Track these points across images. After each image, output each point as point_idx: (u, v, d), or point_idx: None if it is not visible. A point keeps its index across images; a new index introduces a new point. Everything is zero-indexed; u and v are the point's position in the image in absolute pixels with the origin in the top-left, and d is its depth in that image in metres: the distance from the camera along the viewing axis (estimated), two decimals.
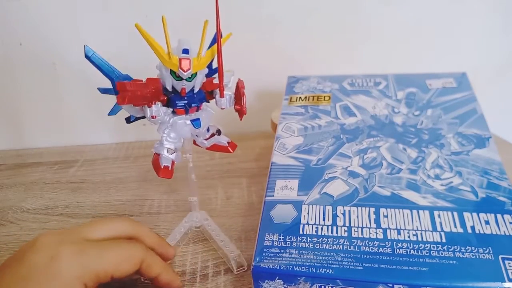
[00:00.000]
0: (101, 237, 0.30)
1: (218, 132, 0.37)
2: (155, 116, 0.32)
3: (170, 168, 0.35)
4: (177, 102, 0.33)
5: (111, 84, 0.33)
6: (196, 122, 0.34)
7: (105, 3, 0.59)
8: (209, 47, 0.35)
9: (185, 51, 0.31)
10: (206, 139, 0.37)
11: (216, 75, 0.35)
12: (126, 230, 0.32)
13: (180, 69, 0.31)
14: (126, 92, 0.30)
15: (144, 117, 0.35)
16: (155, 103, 0.32)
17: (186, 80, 0.32)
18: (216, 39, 0.32)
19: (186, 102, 0.33)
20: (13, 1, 0.57)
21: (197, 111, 0.35)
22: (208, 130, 0.37)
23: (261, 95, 0.68)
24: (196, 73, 0.32)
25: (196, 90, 0.34)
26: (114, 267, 0.28)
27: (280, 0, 0.63)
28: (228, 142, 0.38)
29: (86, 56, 0.31)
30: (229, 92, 0.35)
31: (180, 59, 0.31)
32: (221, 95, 0.34)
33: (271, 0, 0.62)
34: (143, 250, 0.30)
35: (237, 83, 0.36)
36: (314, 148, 0.41)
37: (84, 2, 0.59)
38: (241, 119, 0.35)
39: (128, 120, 0.36)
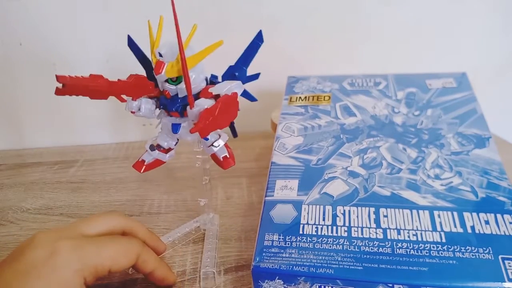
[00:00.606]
0: (97, 232, 0.31)
1: (214, 143, 0.34)
2: (134, 112, 0.32)
3: (145, 163, 0.35)
4: (161, 102, 0.33)
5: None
6: (175, 127, 0.34)
7: (105, 3, 0.59)
8: (243, 54, 0.35)
9: (159, 54, 0.31)
10: (207, 147, 0.35)
11: (219, 85, 0.33)
12: (120, 224, 0.33)
13: (154, 71, 0.31)
14: (64, 85, 0.28)
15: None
16: (134, 99, 0.32)
17: (168, 83, 0.32)
18: (179, 45, 0.29)
19: (165, 104, 0.33)
20: (13, 1, 0.57)
21: (181, 116, 0.33)
22: (206, 138, 0.34)
23: (261, 95, 0.67)
24: (181, 78, 0.31)
25: (180, 95, 0.32)
26: (112, 261, 0.29)
27: (280, 0, 0.63)
28: (223, 157, 0.35)
29: (129, 45, 0.33)
30: (205, 104, 0.31)
31: (156, 61, 0.31)
32: (190, 106, 0.31)
33: (271, 0, 0.62)
34: (139, 245, 0.31)
35: (222, 96, 0.31)
36: (314, 148, 0.41)
37: (84, 2, 0.59)
38: (201, 136, 0.30)
39: None
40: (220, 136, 0.35)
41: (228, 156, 0.35)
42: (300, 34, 0.65)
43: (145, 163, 0.35)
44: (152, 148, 0.35)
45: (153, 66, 0.31)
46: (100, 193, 0.51)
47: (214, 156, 0.36)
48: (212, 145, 0.34)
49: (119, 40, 0.60)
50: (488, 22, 0.69)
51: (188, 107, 0.31)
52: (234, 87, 0.32)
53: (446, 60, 0.70)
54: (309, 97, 0.49)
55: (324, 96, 0.48)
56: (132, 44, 0.34)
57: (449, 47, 0.70)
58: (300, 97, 0.49)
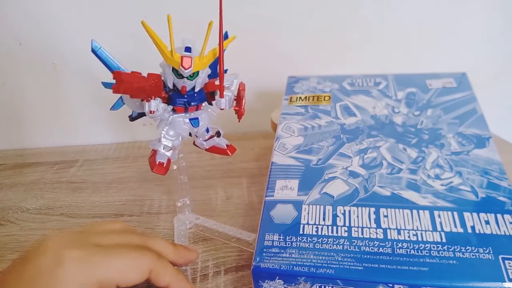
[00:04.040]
0: (111, 244, 0.29)
1: (218, 134, 0.37)
2: (154, 111, 0.32)
3: (164, 165, 0.35)
4: (177, 100, 0.34)
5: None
6: (194, 121, 0.35)
7: (105, 3, 0.59)
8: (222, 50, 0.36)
9: (188, 49, 0.31)
10: (205, 140, 0.37)
11: (226, 78, 0.36)
12: (139, 243, 0.31)
13: (181, 67, 0.31)
14: (122, 81, 0.30)
15: (145, 115, 0.35)
16: (154, 99, 0.32)
17: (187, 78, 0.32)
18: (219, 40, 0.32)
19: (186, 100, 0.34)
20: (13, 1, 0.57)
21: (196, 110, 0.35)
22: (207, 131, 0.37)
23: (261, 95, 0.68)
24: (197, 73, 0.33)
25: (197, 89, 0.34)
26: (119, 276, 0.27)
27: (280, 0, 0.63)
28: (227, 145, 0.38)
29: (93, 51, 0.32)
30: (230, 93, 0.35)
31: (182, 57, 0.31)
32: (221, 96, 0.34)
33: (271, 0, 0.62)
34: (152, 258, 0.29)
35: (238, 86, 0.36)
36: (314, 148, 0.41)
37: (84, 2, 0.59)
38: (239, 120, 0.36)
39: (132, 117, 0.36)
40: (216, 128, 0.37)
41: (229, 143, 0.38)
42: (300, 35, 0.65)
43: (164, 165, 0.35)
44: (167, 148, 0.35)
45: (178, 62, 0.31)
46: (100, 193, 0.51)
47: (213, 148, 0.37)
48: (216, 135, 0.37)
49: (119, 40, 0.60)
50: (488, 22, 0.69)
51: (217, 97, 0.34)
52: (236, 77, 0.35)
53: (446, 60, 0.70)
54: (309, 97, 0.49)
55: (324, 96, 0.48)
56: (97, 48, 0.32)
57: (449, 47, 0.70)
58: (300, 97, 0.49)
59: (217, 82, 0.35)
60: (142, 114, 0.36)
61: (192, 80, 0.33)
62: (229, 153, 0.38)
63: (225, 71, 0.37)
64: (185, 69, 0.31)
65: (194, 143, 0.38)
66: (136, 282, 0.28)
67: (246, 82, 0.37)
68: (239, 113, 0.35)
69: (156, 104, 0.32)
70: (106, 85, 0.33)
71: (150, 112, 0.32)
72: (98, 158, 0.62)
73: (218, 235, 0.40)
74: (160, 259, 0.30)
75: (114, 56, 0.33)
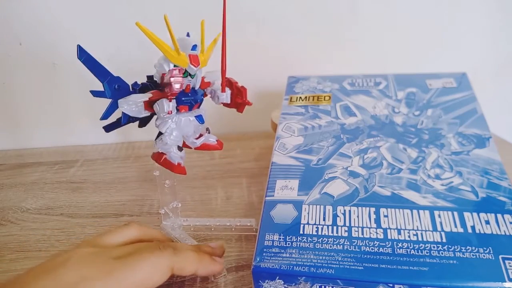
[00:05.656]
0: (129, 252, 0.29)
1: (208, 130, 0.38)
2: (171, 112, 0.33)
3: (182, 165, 0.35)
4: (183, 98, 0.34)
5: (103, 87, 0.32)
6: (200, 118, 0.35)
7: (105, 3, 0.59)
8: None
9: (194, 47, 0.32)
10: (196, 139, 0.37)
11: (205, 74, 0.37)
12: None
13: (191, 65, 0.31)
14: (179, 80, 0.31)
15: (134, 121, 0.35)
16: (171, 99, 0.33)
17: (191, 77, 0.33)
18: (222, 37, 0.33)
19: (192, 98, 0.34)
20: (13, 1, 0.57)
21: (198, 107, 0.35)
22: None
23: (261, 95, 0.68)
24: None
25: (197, 87, 0.34)
26: (143, 284, 0.27)
27: (280, 0, 0.63)
28: (217, 140, 0.39)
29: (79, 58, 0.31)
30: (227, 88, 0.36)
31: (189, 55, 0.31)
32: (223, 90, 0.35)
33: (271, 0, 0.62)
34: (169, 257, 0.29)
35: (229, 80, 0.37)
36: (314, 148, 0.41)
37: (84, 2, 0.59)
38: (242, 111, 0.36)
39: (111, 127, 0.36)
40: (205, 125, 0.38)
41: (217, 138, 0.39)
42: (300, 34, 0.65)
43: (182, 165, 0.36)
44: (180, 148, 0.35)
45: (186, 61, 0.31)
46: (100, 193, 0.51)
47: (204, 145, 0.38)
48: (202, 135, 0.37)
49: (120, 39, 0.60)
50: (488, 22, 0.69)
51: (219, 91, 0.36)
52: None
53: (446, 60, 0.70)
54: (309, 97, 0.49)
55: (324, 96, 0.48)
56: (83, 54, 0.31)
57: (449, 47, 0.70)
58: (300, 97, 0.49)
59: (206, 80, 0.36)
60: (131, 121, 0.35)
61: (193, 78, 0.33)
62: (219, 147, 0.39)
63: None
64: (195, 66, 0.31)
65: (183, 144, 0.38)
66: (160, 283, 0.29)
67: (246, 82, 0.37)
68: (243, 105, 0.36)
69: (174, 104, 0.33)
70: (95, 93, 0.32)
71: (169, 112, 0.32)
72: (98, 158, 0.62)
73: (216, 229, 0.40)
74: (177, 253, 0.30)
75: (106, 60, 0.33)
